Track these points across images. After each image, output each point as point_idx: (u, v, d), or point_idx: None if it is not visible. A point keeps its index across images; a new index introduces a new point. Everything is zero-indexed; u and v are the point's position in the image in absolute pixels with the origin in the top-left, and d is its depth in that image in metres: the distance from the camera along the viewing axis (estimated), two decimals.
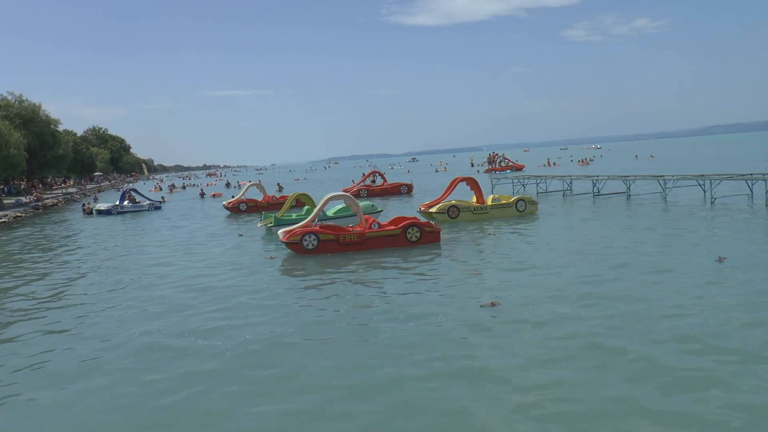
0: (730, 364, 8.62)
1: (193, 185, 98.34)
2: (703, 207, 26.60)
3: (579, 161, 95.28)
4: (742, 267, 14.51)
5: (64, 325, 13.09)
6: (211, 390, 8.90)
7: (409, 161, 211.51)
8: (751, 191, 28.20)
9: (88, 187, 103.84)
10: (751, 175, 29.33)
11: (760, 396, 7.62)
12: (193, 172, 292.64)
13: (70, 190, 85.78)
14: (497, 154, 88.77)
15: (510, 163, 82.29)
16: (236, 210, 38.68)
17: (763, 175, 28.10)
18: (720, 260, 15.34)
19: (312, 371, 9.40)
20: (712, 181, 29.43)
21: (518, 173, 62.24)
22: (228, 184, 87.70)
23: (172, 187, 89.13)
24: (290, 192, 48.76)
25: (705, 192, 29.41)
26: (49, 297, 16.22)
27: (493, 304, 12.42)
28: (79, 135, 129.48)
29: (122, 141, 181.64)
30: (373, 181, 51.41)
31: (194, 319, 12.82)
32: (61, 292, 16.83)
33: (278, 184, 62.68)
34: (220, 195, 60.96)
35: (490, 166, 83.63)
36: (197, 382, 9.23)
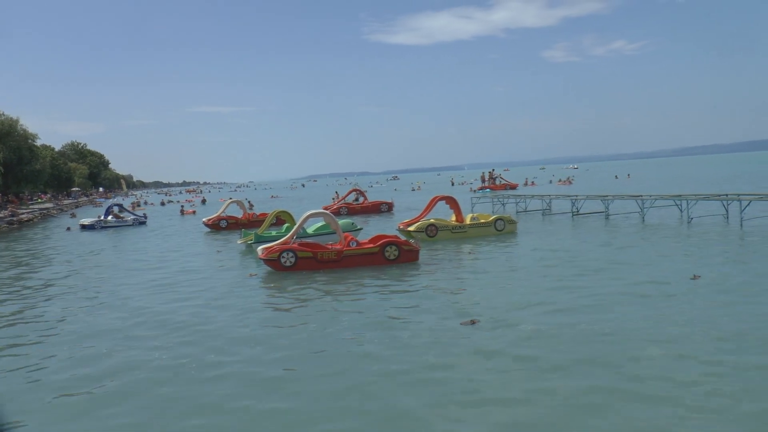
0: (699, 385, 8.70)
1: (172, 201, 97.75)
2: (680, 226, 26.86)
3: (559, 180, 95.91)
4: (717, 285, 14.71)
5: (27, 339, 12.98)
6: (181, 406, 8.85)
7: (390, 179, 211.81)
8: (727, 211, 28.65)
9: (65, 202, 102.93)
10: (727, 195, 29.71)
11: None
12: (172, 189, 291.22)
13: (47, 205, 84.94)
14: (494, 172, 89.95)
15: (504, 182, 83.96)
16: (216, 227, 38.50)
17: (738, 195, 28.50)
18: (695, 278, 15.52)
19: (278, 390, 9.36)
20: (689, 201, 29.74)
21: (496, 192, 62.67)
22: (204, 201, 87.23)
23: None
24: (261, 209, 48.73)
25: (682, 212, 29.73)
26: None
27: (472, 322, 12.44)
28: (57, 150, 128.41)
29: (101, 156, 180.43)
30: (356, 199, 51.40)
31: (164, 338, 12.74)
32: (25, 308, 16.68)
33: (248, 200, 62.57)
34: (193, 212, 60.78)
35: (484, 184, 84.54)
36: (160, 399, 9.17)
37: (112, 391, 9.74)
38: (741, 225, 25.64)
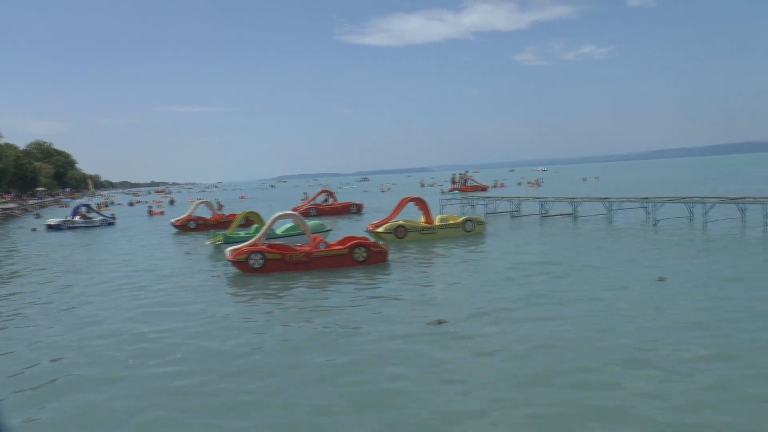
0: (664, 382, 8.81)
1: (141, 202, 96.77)
2: (646, 228, 27.21)
3: (528, 183, 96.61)
4: (682, 286, 14.96)
5: None
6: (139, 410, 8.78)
7: (360, 181, 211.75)
8: (691, 214, 29.09)
9: (30, 202, 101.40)
10: (691, 198, 30.26)
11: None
12: (141, 189, 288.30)
13: (10, 205, 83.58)
14: (466, 174, 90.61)
15: (475, 183, 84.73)
16: (185, 228, 38.19)
17: (702, 198, 29.08)
18: (661, 279, 15.76)
19: (241, 391, 9.32)
20: (655, 203, 30.17)
21: (465, 194, 63.05)
22: (172, 201, 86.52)
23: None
24: (231, 210, 48.42)
25: (648, 214, 30.12)
26: None
27: (440, 322, 12.49)
28: (21, 149, 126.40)
29: (68, 156, 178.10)
30: (326, 201, 51.28)
31: (123, 337, 12.66)
32: None
33: (218, 201, 62.15)
34: (161, 213, 60.24)
35: (453, 186, 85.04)
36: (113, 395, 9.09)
37: (69, 394, 9.64)
38: (704, 227, 26.08)
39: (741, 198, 28.89)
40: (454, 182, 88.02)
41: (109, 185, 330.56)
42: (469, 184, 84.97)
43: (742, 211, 27.36)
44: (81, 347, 12.14)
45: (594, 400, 8.37)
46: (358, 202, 50.06)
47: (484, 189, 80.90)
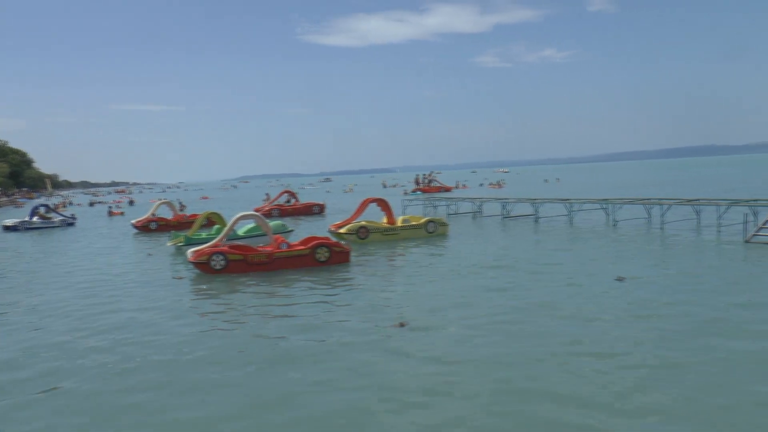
0: (627, 379, 9.00)
1: (101, 202, 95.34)
2: (606, 229, 27.62)
3: (490, 184, 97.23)
4: (639, 286, 15.27)
5: None
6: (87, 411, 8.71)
7: (322, 181, 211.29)
8: (649, 215, 29.71)
9: None
10: (649, 199, 30.83)
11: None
12: (101, 189, 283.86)
13: None
14: (431, 174, 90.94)
15: (439, 184, 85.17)
16: (146, 229, 37.72)
17: (660, 200, 29.66)
18: (620, 280, 16.05)
19: (200, 398, 9.30)
20: (614, 205, 30.64)
21: (428, 194, 63.23)
22: (132, 202, 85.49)
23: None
24: (192, 210, 48.03)
25: (608, 215, 30.57)
26: None
27: (401, 324, 12.54)
28: None
29: (24, 154, 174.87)
30: (288, 201, 51.09)
31: (84, 341, 12.50)
32: None
33: (179, 202, 61.55)
34: (121, 213, 59.20)
35: (417, 187, 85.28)
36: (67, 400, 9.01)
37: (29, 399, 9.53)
38: (662, 228, 26.63)
39: (696, 200, 29.46)
40: (418, 183, 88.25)
41: (68, 185, 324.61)
42: (433, 185, 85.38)
43: (698, 212, 27.91)
44: (28, 354, 11.88)
45: (544, 412, 8.50)
46: (320, 203, 49.96)
47: (448, 190, 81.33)
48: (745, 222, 22.75)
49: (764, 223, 22.06)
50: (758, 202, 26.17)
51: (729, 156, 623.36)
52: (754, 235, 21.70)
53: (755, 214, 24.71)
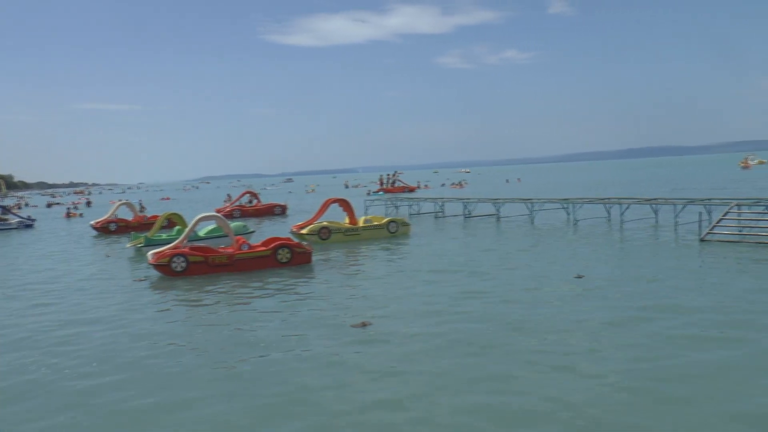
0: (576, 379, 9.14)
1: (60, 203, 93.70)
2: (567, 228, 27.98)
3: (452, 184, 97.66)
4: (598, 283, 15.55)
5: None
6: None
7: (284, 182, 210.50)
8: (609, 214, 30.20)
9: None
10: (609, 199, 31.32)
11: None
12: (58, 190, 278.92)
13: None
14: (395, 174, 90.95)
15: (403, 184, 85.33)
16: (105, 230, 37.17)
17: (619, 199, 30.17)
18: (578, 277, 16.30)
19: (162, 399, 9.24)
20: (575, 204, 31.04)
21: (390, 195, 63.36)
22: (89, 203, 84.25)
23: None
24: (153, 211, 47.51)
25: (568, 215, 30.96)
26: None
27: (363, 324, 12.57)
28: None
29: None
30: (250, 202, 50.85)
31: (39, 345, 12.30)
32: None
33: (140, 202, 60.82)
34: (79, 215, 58.23)
35: (381, 187, 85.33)
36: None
37: None
38: (621, 226, 27.08)
39: (654, 199, 29.99)
40: (382, 183, 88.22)
41: (24, 186, 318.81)
42: (397, 185, 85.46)
43: (656, 211, 28.43)
44: None
45: (503, 405, 8.59)
46: (282, 203, 49.81)
47: (412, 190, 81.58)
48: (700, 220, 23.20)
49: (718, 222, 22.64)
50: (712, 201, 26.71)
51: (686, 156, 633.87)
52: (709, 233, 22.16)
53: (710, 213, 25.22)
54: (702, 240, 21.86)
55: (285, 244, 20.42)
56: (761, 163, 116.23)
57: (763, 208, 24.21)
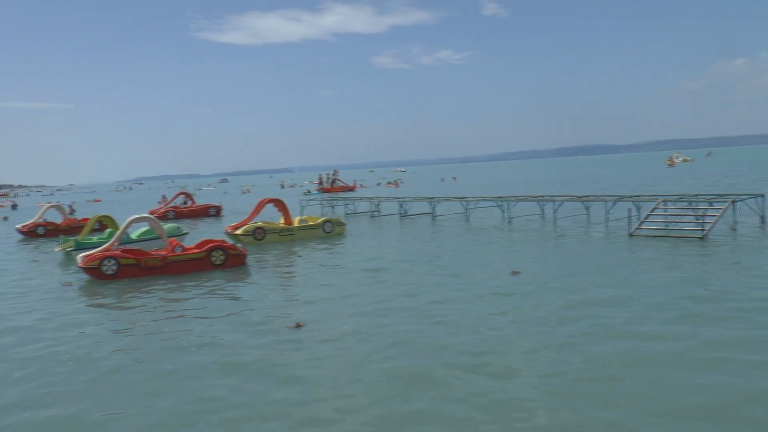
0: (504, 376, 9.26)
1: None
2: (502, 226, 28.35)
3: (388, 183, 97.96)
4: (533, 279, 15.86)
5: None
6: None
7: (220, 182, 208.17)
8: (542, 211, 30.84)
9: None
10: (542, 196, 31.85)
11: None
12: None
13: None
14: (335, 174, 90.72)
15: (343, 184, 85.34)
16: (32, 234, 36.07)
17: (552, 196, 30.75)
18: (514, 273, 16.57)
19: (88, 409, 9.03)
20: (509, 202, 31.47)
21: (326, 194, 63.25)
22: (14, 206, 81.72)
23: None
24: (83, 214, 46.43)
25: (503, 212, 31.36)
26: None
27: (298, 325, 12.52)
28: None
29: None
30: (184, 203, 50.09)
31: None
32: None
33: (70, 205, 59.24)
34: (4, 218, 56.16)
35: (320, 186, 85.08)
36: None
37: None
38: (554, 223, 27.67)
39: (586, 196, 30.61)
40: (321, 183, 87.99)
41: None
42: (337, 185, 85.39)
43: (587, 208, 29.07)
44: None
45: (421, 404, 8.66)
46: (217, 204, 49.22)
47: (351, 189, 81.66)
48: (630, 216, 23.79)
49: (646, 218, 23.41)
50: (641, 197, 27.45)
51: (615, 155, 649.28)
52: (637, 228, 22.85)
53: (638, 209, 25.96)
54: (631, 235, 22.46)
55: (219, 246, 20.18)
56: (686, 161, 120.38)
57: (686, 203, 25.00)
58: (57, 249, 26.18)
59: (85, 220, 38.17)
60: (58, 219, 39.56)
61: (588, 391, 8.51)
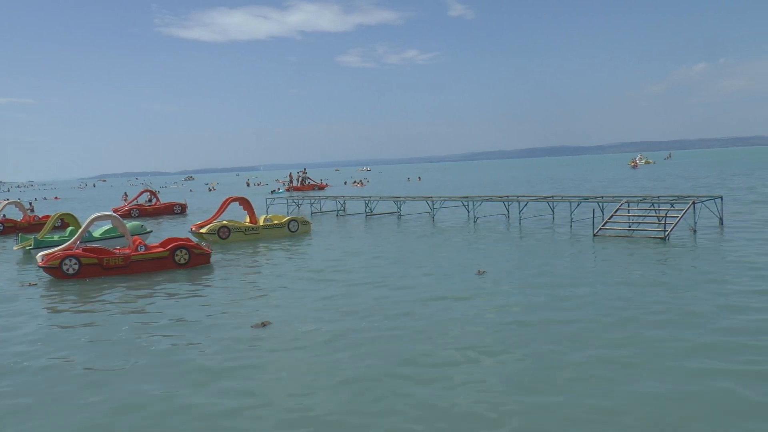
0: (477, 375, 9.27)
1: None
2: (467, 226, 28.46)
3: (354, 182, 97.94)
4: (499, 279, 15.96)
5: None
6: None
7: (185, 180, 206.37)
8: (508, 211, 31.05)
9: None
10: (508, 197, 32.04)
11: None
12: None
13: None
14: (305, 172, 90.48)
15: (312, 182, 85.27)
16: None
17: (518, 197, 30.99)
18: (480, 273, 16.67)
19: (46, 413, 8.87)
20: (475, 202, 31.59)
21: (292, 193, 63.10)
22: None
23: None
24: (44, 211, 45.72)
25: (469, 212, 31.48)
26: None
27: (263, 324, 12.45)
28: None
29: None
30: (149, 200, 49.60)
31: None
32: None
33: (30, 202, 58.30)
34: None
35: (290, 185, 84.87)
36: None
37: None
38: (520, 223, 27.87)
39: (551, 197, 30.90)
40: (291, 181, 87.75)
41: None
42: (307, 183, 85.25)
43: (552, 208, 29.34)
44: None
45: (377, 405, 8.64)
46: (181, 202, 48.78)
47: (321, 188, 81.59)
48: (594, 217, 24.05)
49: (610, 218, 23.70)
50: (605, 198, 27.75)
51: (581, 156, 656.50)
52: (601, 228, 23.13)
53: (602, 210, 26.27)
54: (595, 235, 22.71)
55: (183, 245, 19.97)
56: (648, 162, 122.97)
57: (649, 204, 25.34)
58: (15, 248, 25.69)
59: (46, 217, 37.63)
60: (17, 216, 38.92)
61: (546, 389, 8.55)
